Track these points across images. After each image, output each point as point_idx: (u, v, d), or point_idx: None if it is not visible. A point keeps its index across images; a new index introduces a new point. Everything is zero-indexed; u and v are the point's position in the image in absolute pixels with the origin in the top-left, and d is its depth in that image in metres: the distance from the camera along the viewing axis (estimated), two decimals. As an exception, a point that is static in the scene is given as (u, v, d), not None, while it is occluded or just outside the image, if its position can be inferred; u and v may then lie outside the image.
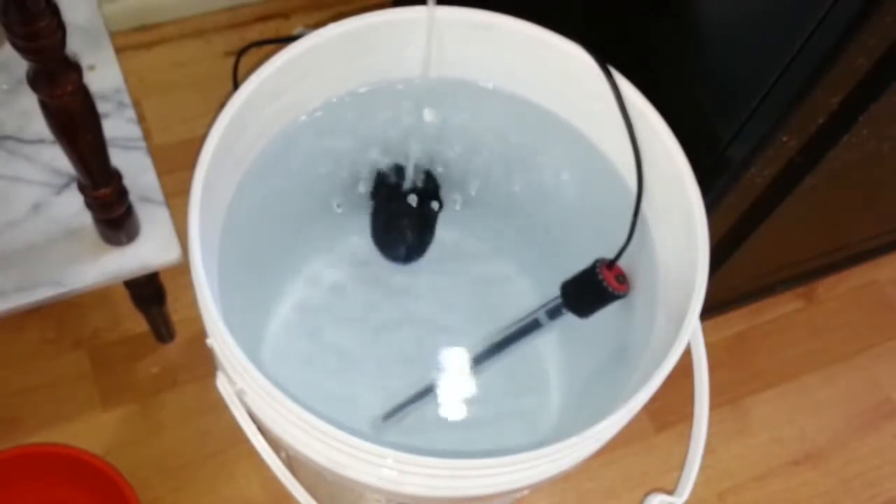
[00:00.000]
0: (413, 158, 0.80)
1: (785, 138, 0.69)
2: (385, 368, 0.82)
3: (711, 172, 0.73)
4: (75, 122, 0.64)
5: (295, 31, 0.74)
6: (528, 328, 0.76)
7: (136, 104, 0.96)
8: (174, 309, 0.98)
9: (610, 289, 0.69)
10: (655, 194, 0.68)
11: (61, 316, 1.01)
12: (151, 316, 0.96)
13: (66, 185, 0.80)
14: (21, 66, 0.58)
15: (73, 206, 0.79)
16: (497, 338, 0.78)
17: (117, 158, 0.73)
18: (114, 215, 0.75)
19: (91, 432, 0.96)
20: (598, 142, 0.73)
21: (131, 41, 1.19)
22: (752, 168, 0.72)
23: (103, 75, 0.85)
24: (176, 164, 0.86)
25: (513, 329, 0.77)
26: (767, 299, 1.13)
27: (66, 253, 0.77)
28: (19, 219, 0.78)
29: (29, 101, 0.68)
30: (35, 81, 0.60)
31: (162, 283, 0.90)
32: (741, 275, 0.97)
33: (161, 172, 0.82)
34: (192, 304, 0.58)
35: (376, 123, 0.78)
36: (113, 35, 0.88)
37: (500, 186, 0.83)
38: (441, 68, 0.73)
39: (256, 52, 0.78)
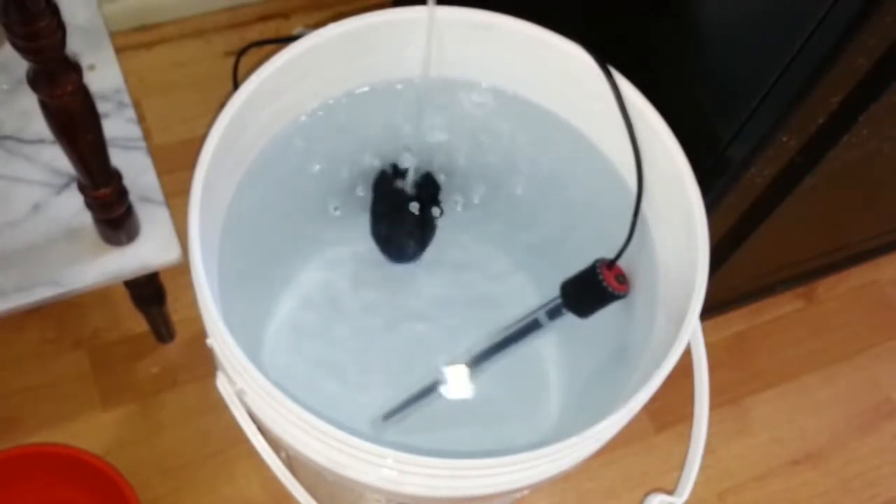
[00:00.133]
0: (413, 158, 0.80)
1: (785, 138, 0.69)
2: (385, 368, 0.82)
3: (711, 172, 0.73)
4: (75, 122, 0.64)
5: (295, 31, 0.74)
6: (528, 328, 0.76)
7: (136, 104, 0.96)
8: (174, 309, 0.98)
9: (610, 289, 0.69)
10: (655, 194, 0.68)
11: (61, 316, 1.01)
12: (151, 316, 0.96)
13: (66, 185, 0.80)
14: (21, 66, 0.58)
15: (73, 206, 0.79)
16: (497, 338, 0.78)
17: (117, 158, 0.73)
18: (114, 215, 0.75)
19: (91, 432, 0.96)
20: (598, 142, 0.73)
21: (131, 41, 1.19)
22: (752, 168, 0.72)
23: (103, 75, 0.85)
24: (176, 164, 0.86)
25: (513, 329, 0.77)
26: (767, 299, 1.13)
27: (66, 253, 0.77)
28: (19, 219, 0.78)
29: (29, 101, 0.68)
30: (35, 81, 0.60)
31: (162, 283, 0.90)
32: (741, 275, 0.97)
33: (161, 172, 0.82)
34: (192, 304, 0.58)
35: (376, 123, 0.78)
36: (113, 35, 0.88)
37: (500, 186, 0.83)
38: (441, 68, 0.73)
39: (256, 52, 0.78)
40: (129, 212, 0.76)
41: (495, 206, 0.84)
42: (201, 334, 0.60)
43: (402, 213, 0.82)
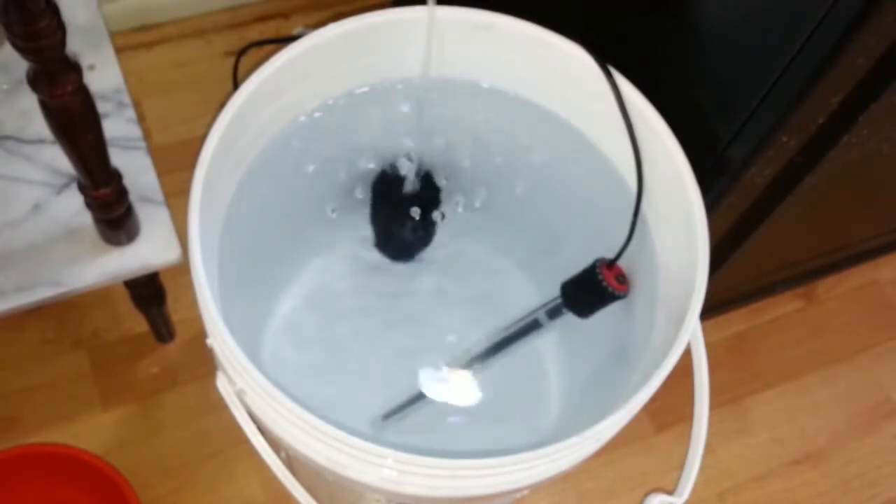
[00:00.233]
0: (413, 158, 0.80)
1: (785, 138, 0.69)
2: (385, 368, 0.82)
3: (711, 172, 0.73)
4: (75, 122, 0.64)
5: (295, 31, 0.74)
6: (528, 328, 0.76)
7: (136, 104, 0.96)
8: (174, 309, 0.98)
9: (610, 289, 0.69)
10: (655, 194, 0.68)
11: (61, 316, 1.01)
12: (151, 316, 0.96)
13: (66, 185, 0.80)
14: (21, 66, 0.58)
15: (73, 206, 0.79)
16: (497, 338, 0.78)
17: (117, 158, 0.73)
18: (114, 215, 0.75)
19: (91, 432, 0.96)
20: (598, 142, 0.73)
21: (131, 41, 1.19)
22: (752, 168, 0.72)
23: (103, 75, 0.85)
24: (176, 164, 0.86)
25: (513, 329, 0.77)
26: (767, 299, 1.13)
27: (66, 253, 0.77)
28: (19, 219, 0.78)
29: (29, 101, 0.68)
30: (35, 81, 0.60)
31: (162, 283, 0.90)
32: (741, 275, 0.97)
33: (161, 172, 0.82)
34: (192, 304, 0.58)
35: (376, 123, 0.78)
36: (113, 35, 0.88)
37: (500, 186, 0.83)
38: (441, 68, 0.73)
39: (256, 52, 0.78)
40: (129, 212, 0.76)
41: (495, 206, 0.84)
42: (201, 334, 0.60)
43: (402, 213, 0.82)
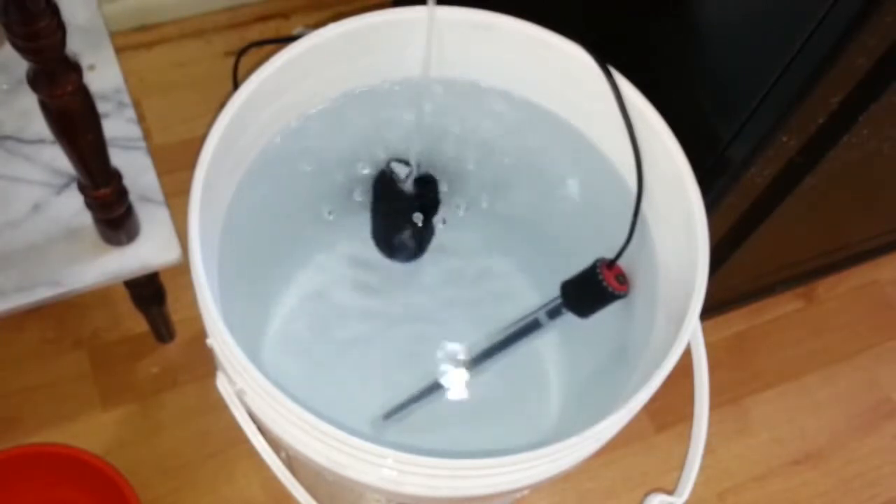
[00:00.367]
0: (413, 158, 0.80)
1: (785, 138, 0.69)
2: (385, 368, 0.82)
3: (711, 172, 0.73)
4: (75, 122, 0.64)
5: (295, 31, 0.74)
6: (528, 328, 0.76)
7: (136, 104, 0.96)
8: (174, 309, 0.98)
9: (610, 289, 0.69)
10: (655, 194, 0.68)
11: (61, 316, 1.01)
12: (151, 316, 0.96)
13: (66, 185, 0.80)
14: (21, 66, 0.58)
15: (73, 206, 0.79)
16: (497, 338, 0.78)
17: (117, 158, 0.73)
18: (114, 215, 0.75)
19: (91, 432, 0.96)
20: (598, 142, 0.73)
21: (131, 41, 1.19)
22: (752, 168, 0.72)
23: (103, 75, 0.85)
24: (176, 164, 0.86)
25: (513, 329, 0.77)
26: (767, 299, 1.13)
27: (66, 253, 0.77)
28: (19, 219, 0.78)
29: (29, 101, 0.68)
30: (35, 81, 0.60)
31: (162, 283, 0.90)
32: (741, 275, 0.97)
33: (161, 172, 0.82)
34: (192, 304, 0.58)
35: (376, 123, 0.78)
36: (113, 35, 0.88)
37: (500, 186, 0.83)
38: (441, 68, 0.73)
39: (256, 52, 0.78)
40: (129, 212, 0.76)
41: (495, 206, 0.84)
42: (201, 334, 0.60)
43: (402, 213, 0.82)
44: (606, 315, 0.71)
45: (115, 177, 0.73)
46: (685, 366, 0.63)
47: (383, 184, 0.81)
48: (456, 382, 0.80)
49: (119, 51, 0.87)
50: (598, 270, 0.69)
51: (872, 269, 1.18)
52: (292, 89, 0.69)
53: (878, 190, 0.93)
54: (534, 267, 0.86)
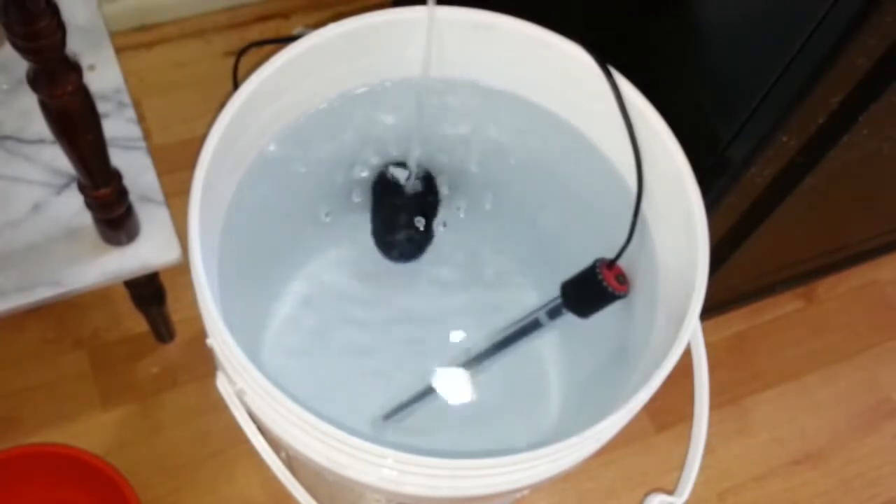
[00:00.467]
0: (413, 159, 0.80)
1: (785, 138, 0.69)
2: (385, 368, 0.82)
3: (711, 172, 0.73)
4: (75, 122, 0.64)
5: (295, 31, 0.74)
6: (528, 328, 0.76)
7: (136, 104, 0.96)
8: (174, 309, 0.98)
9: (610, 289, 0.69)
10: (655, 194, 0.68)
11: (61, 316, 1.01)
12: (151, 316, 0.96)
13: (66, 185, 0.80)
14: (21, 66, 0.58)
15: (73, 206, 0.79)
16: (497, 338, 0.78)
17: (117, 158, 0.73)
18: (114, 215, 0.75)
19: (91, 432, 0.96)
20: (598, 142, 0.73)
21: (131, 41, 1.19)
22: (752, 168, 0.72)
23: (103, 75, 0.85)
24: (176, 164, 0.86)
25: (513, 329, 0.77)
26: (767, 299, 1.13)
27: (66, 253, 0.77)
28: (19, 219, 0.78)
29: (29, 101, 0.68)
30: (35, 81, 0.60)
31: (162, 283, 0.90)
32: (741, 275, 0.97)
33: (161, 172, 0.82)
34: (192, 304, 0.58)
35: (376, 123, 0.78)
36: (113, 35, 0.88)
37: (499, 186, 0.83)
38: (441, 68, 0.73)
39: (256, 52, 0.78)
40: (129, 212, 0.76)
41: (495, 206, 0.84)
42: (201, 334, 0.60)
43: (402, 213, 0.82)
44: (606, 315, 0.71)
45: (115, 177, 0.73)
46: (685, 366, 0.63)
47: (383, 184, 0.81)
48: (456, 382, 0.80)
49: (119, 51, 0.87)
50: (598, 270, 0.69)
51: (872, 269, 1.18)
52: (292, 89, 0.69)
53: (878, 190, 0.93)
54: (534, 267, 0.86)
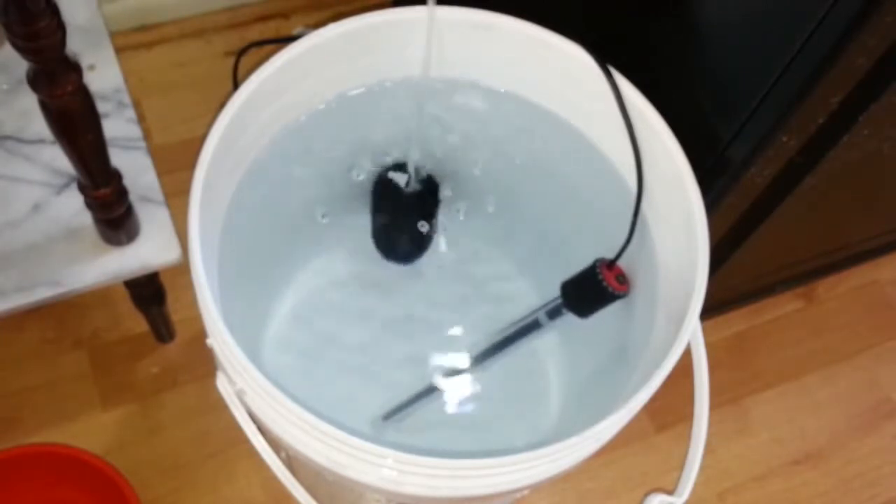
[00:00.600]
0: (413, 159, 0.80)
1: (785, 138, 0.69)
2: (385, 368, 0.82)
3: (711, 172, 0.73)
4: (75, 122, 0.64)
5: (295, 31, 0.74)
6: (528, 328, 0.76)
7: (136, 104, 0.96)
8: (174, 309, 0.98)
9: (610, 289, 0.69)
10: (655, 194, 0.68)
11: (61, 316, 1.01)
12: (151, 316, 0.96)
13: (66, 185, 0.80)
14: (21, 66, 0.58)
15: (73, 206, 0.79)
16: (497, 338, 0.78)
17: (117, 158, 0.73)
18: (114, 215, 0.75)
19: (91, 432, 0.96)
20: (598, 142, 0.73)
21: (131, 41, 1.19)
22: (752, 168, 0.72)
23: (103, 75, 0.85)
24: (176, 164, 0.86)
25: (513, 329, 0.77)
26: (767, 299, 1.13)
27: (66, 253, 0.77)
28: (19, 219, 0.78)
29: (29, 101, 0.68)
30: (35, 81, 0.60)
31: (162, 283, 0.90)
32: (741, 275, 0.97)
33: (161, 172, 0.82)
34: (192, 304, 0.58)
35: (375, 123, 0.78)
36: (113, 35, 0.88)
37: (500, 186, 0.83)
38: (441, 68, 0.73)
39: (256, 52, 0.78)
40: (129, 212, 0.76)
41: (495, 207, 0.84)
42: (201, 334, 0.60)
43: (402, 213, 0.82)
44: (606, 315, 0.71)
45: (115, 177, 0.73)
46: (685, 366, 0.63)
47: (383, 185, 0.81)
48: (456, 382, 0.80)
49: (119, 51, 0.87)
50: (598, 270, 0.69)
51: (872, 269, 1.18)
52: (292, 89, 0.69)
53: (878, 190, 0.93)
54: (534, 267, 0.86)
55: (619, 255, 0.69)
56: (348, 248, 0.85)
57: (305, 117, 0.72)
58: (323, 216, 0.82)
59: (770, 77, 0.65)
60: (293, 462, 0.63)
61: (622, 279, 0.70)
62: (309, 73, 0.69)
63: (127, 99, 0.84)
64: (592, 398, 0.76)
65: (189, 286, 0.57)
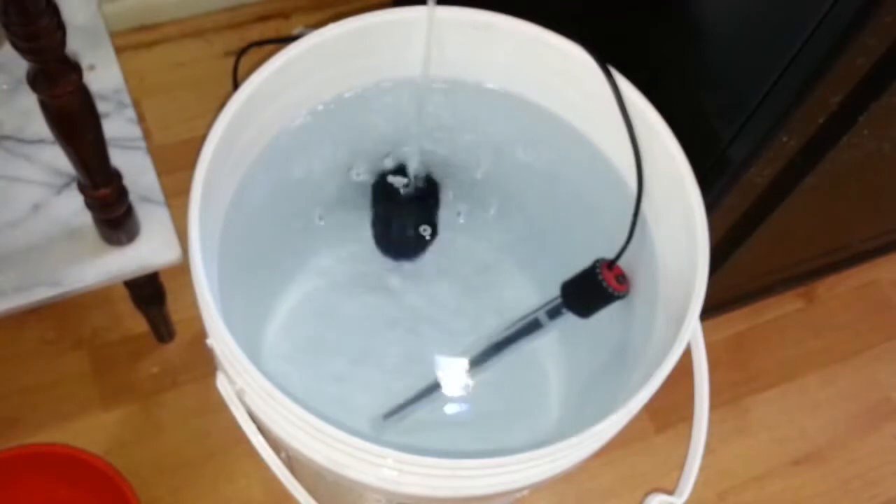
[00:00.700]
0: (413, 158, 0.80)
1: (785, 138, 0.69)
2: (385, 368, 0.82)
3: (711, 172, 0.73)
4: (75, 122, 0.64)
5: (295, 31, 0.74)
6: (528, 328, 0.76)
7: (136, 104, 0.96)
8: (174, 309, 0.98)
9: (610, 289, 0.69)
10: (655, 194, 0.68)
11: (61, 316, 1.01)
12: (151, 316, 0.96)
13: (66, 185, 0.80)
14: (21, 66, 0.58)
15: (73, 206, 0.79)
16: (497, 338, 0.78)
17: (117, 158, 0.73)
18: (114, 215, 0.75)
19: (91, 432, 0.96)
20: (598, 142, 0.73)
21: (131, 41, 1.19)
22: (752, 168, 0.72)
23: (103, 75, 0.85)
24: (176, 164, 0.86)
25: (513, 329, 0.77)
26: (767, 299, 1.13)
27: (66, 253, 0.77)
28: (19, 219, 0.78)
29: (29, 101, 0.68)
30: (35, 81, 0.60)
31: (162, 283, 0.90)
32: (741, 275, 0.97)
33: (161, 172, 0.82)
34: (192, 304, 0.58)
35: (376, 123, 0.78)
36: (113, 35, 0.88)
37: (500, 187, 0.83)
38: (441, 68, 0.73)
39: (256, 52, 0.78)
40: (129, 212, 0.76)
41: (495, 206, 0.84)
42: (201, 334, 0.60)
43: (403, 213, 0.82)
44: (606, 315, 0.71)
45: (115, 177, 0.73)
46: (685, 366, 0.63)
47: (383, 185, 0.81)
48: (456, 382, 0.80)
49: (119, 51, 0.87)
50: (598, 270, 0.69)
51: (872, 269, 1.18)
52: (292, 89, 0.69)
53: (878, 190, 0.93)
54: (534, 267, 0.86)
55: (619, 255, 0.69)
56: (349, 247, 0.85)
57: (305, 117, 0.72)
58: (323, 216, 0.82)
59: (770, 77, 0.65)
60: (293, 462, 0.63)
61: (622, 279, 0.70)
62: (309, 73, 0.69)
63: (127, 99, 0.84)
64: (592, 398, 0.76)
65: (189, 286, 0.57)
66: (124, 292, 0.90)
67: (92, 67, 0.85)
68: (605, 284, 0.69)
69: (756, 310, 1.14)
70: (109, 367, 0.99)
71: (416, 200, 0.82)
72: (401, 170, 0.81)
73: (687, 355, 0.62)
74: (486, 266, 0.87)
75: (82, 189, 0.73)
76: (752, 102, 0.68)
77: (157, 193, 0.81)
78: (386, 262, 0.85)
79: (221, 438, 0.97)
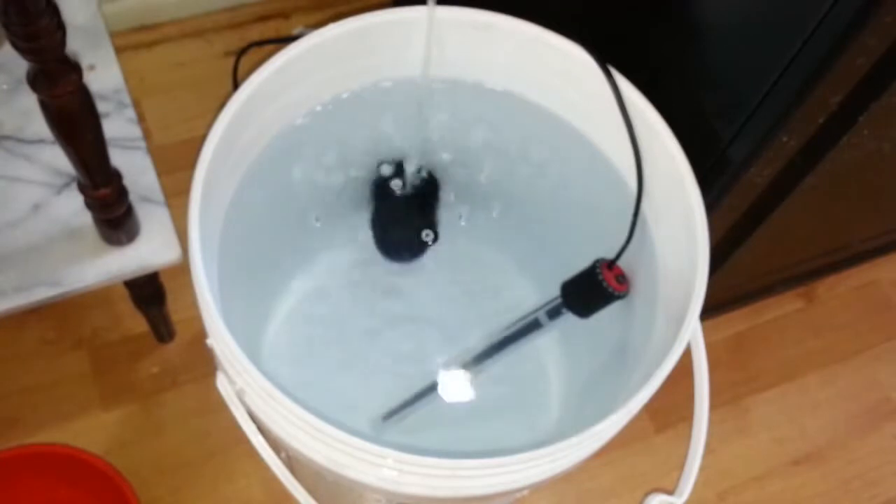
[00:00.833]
0: (413, 158, 0.80)
1: (785, 138, 0.69)
2: (385, 368, 0.82)
3: (711, 172, 0.73)
4: (75, 122, 0.64)
5: (295, 31, 0.74)
6: (528, 328, 0.76)
7: (136, 104, 0.96)
8: (174, 309, 0.98)
9: (610, 289, 0.69)
10: (655, 194, 0.68)
11: (61, 316, 1.01)
12: (151, 316, 0.96)
13: (66, 185, 0.80)
14: (21, 66, 0.58)
15: (73, 206, 0.79)
16: (497, 338, 0.78)
17: (117, 158, 0.73)
18: (114, 215, 0.75)
19: (91, 432, 0.96)
20: (598, 142, 0.73)
21: (131, 41, 1.19)
22: (752, 168, 0.72)
23: (103, 75, 0.85)
24: (176, 164, 0.86)
25: (513, 329, 0.77)
26: (767, 299, 1.13)
27: (66, 253, 0.77)
28: (19, 219, 0.78)
29: (29, 101, 0.68)
30: (35, 81, 0.60)
31: (162, 283, 0.90)
32: (741, 275, 0.97)
33: (161, 172, 0.82)
34: (192, 304, 0.58)
35: (376, 123, 0.78)
36: (113, 35, 0.88)
37: (500, 187, 0.83)
38: (441, 68, 0.73)
39: (256, 52, 0.78)
40: (129, 212, 0.76)
41: (495, 206, 0.84)
42: (201, 334, 0.60)
43: (402, 213, 0.82)
44: (606, 315, 0.71)
45: (115, 177, 0.73)
46: (685, 366, 0.63)
47: (383, 185, 0.81)
48: (456, 382, 0.80)
49: (119, 51, 0.87)
50: (598, 270, 0.69)
51: (872, 269, 1.18)
52: (292, 89, 0.69)
53: (878, 190, 0.93)
54: (534, 267, 0.86)
55: (619, 255, 0.69)
56: (349, 247, 0.85)
57: (305, 117, 0.72)
58: (323, 217, 0.82)
59: (770, 77, 0.65)
60: (293, 462, 0.63)
61: (622, 279, 0.70)
62: (309, 73, 0.69)
63: (127, 99, 0.84)
64: (592, 398, 0.76)
65: (189, 286, 0.57)
66: (124, 292, 0.90)
67: (92, 67, 0.85)
68: (605, 284, 0.69)
69: (756, 310, 1.14)
70: (109, 367, 0.99)
71: (416, 201, 0.82)
72: (400, 170, 0.81)
73: (687, 355, 0.62)
74: (486, 266, 0.87)
75: (82, 189, 0.73)
76: (752, 102, 0.68)
77: (157, 193, 0.81)
78: (386, 263, 0.85)
79: (221, 438, 0.97)
